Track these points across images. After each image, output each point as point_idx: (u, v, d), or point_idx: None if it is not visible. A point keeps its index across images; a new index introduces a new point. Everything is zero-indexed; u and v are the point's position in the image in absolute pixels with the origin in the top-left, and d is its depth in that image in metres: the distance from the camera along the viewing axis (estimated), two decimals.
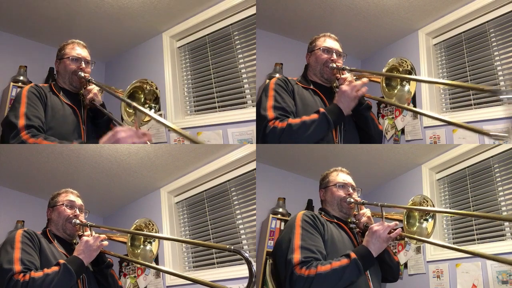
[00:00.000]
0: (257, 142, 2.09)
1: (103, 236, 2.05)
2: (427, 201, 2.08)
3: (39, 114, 2.04)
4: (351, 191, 2.17)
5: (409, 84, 2.04)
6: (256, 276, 3.24)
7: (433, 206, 2.10)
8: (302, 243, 1.90)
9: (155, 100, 2.02)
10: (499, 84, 3.20)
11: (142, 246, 2.02)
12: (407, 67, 2.01)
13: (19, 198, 3.73)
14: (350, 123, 2.20)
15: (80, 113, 2.14)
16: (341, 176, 2.21)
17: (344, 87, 2.04)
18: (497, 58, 3.21)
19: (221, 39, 3.51)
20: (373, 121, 2.19)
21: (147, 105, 2.02)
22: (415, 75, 2.03)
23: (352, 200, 2.15)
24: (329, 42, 2.22)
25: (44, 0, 3.19)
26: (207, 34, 3.54)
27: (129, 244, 2.06)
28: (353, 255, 1.90)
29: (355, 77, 2.12)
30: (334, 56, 2.18)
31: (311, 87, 2.19)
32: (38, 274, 1.85)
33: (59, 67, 2.21)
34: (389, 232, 1.95)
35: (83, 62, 2.18)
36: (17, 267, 1.85)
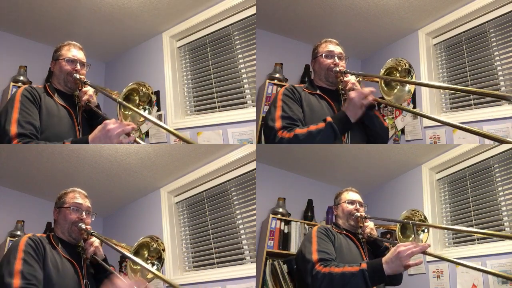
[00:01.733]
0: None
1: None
2: (417, 212, 2.11)
3: (32, 119, 2.01)
4: (358, 206, 2.51)
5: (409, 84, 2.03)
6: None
7: (424, 216, 2.13)
8: (318, 247, 2.26)
9: (149, 103, 2.02)
10: (499, 84, 3.21)
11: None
12: (405, 66, 2.01)
13: (19, 198, 3.74)
14: (357, 122, 2.23)
15: (75, 114, 2.13)
16: (350, 194, 2.56)
17: (352, 94, 2.11)
18: (497, 58, 3.21)
19: (221, 39, 3.51)
20: (378, 119, 2.24)
21: (141, 107, 2.01)
22: (414, 72, 2.03)
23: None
24: (330, 47, 2.34)
25: (44, 0, 3.19)
26: (207, 34, 3.54)
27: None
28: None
29: (358, 79, 2.20)
30: (336, 60, 2.30)
31: (318, 92, 2.30)
32: None
33: (55, 68, 2.20)
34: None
35: (78, 64, 2.16)
36: (17, 281, 1.80)
